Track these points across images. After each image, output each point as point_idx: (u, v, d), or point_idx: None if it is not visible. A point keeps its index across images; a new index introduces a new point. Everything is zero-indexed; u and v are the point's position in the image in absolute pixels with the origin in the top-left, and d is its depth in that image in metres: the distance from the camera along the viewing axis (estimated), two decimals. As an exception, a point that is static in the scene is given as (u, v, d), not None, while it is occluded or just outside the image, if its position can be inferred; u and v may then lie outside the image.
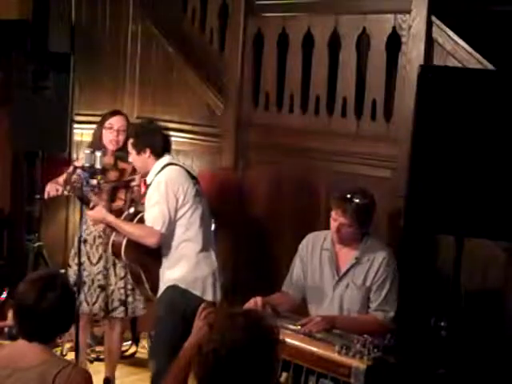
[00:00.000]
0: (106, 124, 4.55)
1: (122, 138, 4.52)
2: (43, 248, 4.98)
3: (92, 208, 4.18)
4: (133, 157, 4.23)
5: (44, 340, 2.54)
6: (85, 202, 4.22)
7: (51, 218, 5.52)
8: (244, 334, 2.08)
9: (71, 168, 4.39)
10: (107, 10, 5.68)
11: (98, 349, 5.11)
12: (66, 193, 4.27)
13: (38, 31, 5.57)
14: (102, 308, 4.52)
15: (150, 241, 4.05)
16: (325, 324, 3.42)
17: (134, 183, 4.52)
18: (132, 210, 4.29)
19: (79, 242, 4.37)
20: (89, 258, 4.56)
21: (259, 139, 4.86)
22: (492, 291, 3.79)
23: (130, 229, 4.13)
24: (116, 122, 4.55)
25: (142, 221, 4.14)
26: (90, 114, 5.30)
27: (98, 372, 4.62)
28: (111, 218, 4.17)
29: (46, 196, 4.64)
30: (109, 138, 4.53)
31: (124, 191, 4.53)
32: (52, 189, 4.59)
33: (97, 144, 4.50)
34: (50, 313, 2.51)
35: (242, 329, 2.09)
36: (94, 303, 4.52)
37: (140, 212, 4.21)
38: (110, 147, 4.53)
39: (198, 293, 4.08)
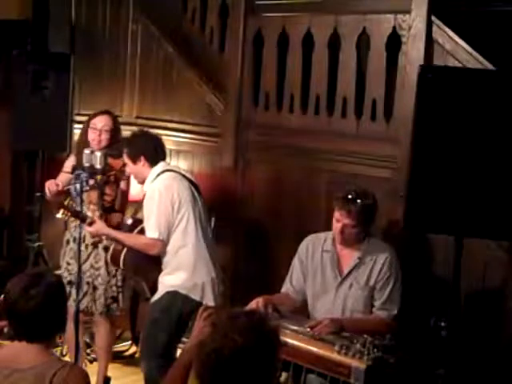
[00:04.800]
0: (91, 124, 4.55)
1: (104, 137, 4.51)
2: (43, 248, 4.98)
3: (90, 224, 4.20)
4: (129, 167, 4.24)
5: (32, 339, 2.52)
6: (81, 219, 4.24)
7: (51, 218, 5.49)
8: (246, 335, 2.08)
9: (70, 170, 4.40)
10: (107, 10, 5.68)
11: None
12: (58, 216, 4.30)
13: (38, 31, 5.57)
14: (89, 305, 4.50)
15: (152, 251, 4.08)
16: (334, 326, 3.42)
17: (125, 172, 4.45)
18: (130, 220, 4.31)
19: (78, 244, 4.36)
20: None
21: (259, 139, 4.85)
22: (492, 291, 3.79)
23: (131, 241, 4.16)
24: (99, 121, 4.54)
25: (142, 231, 4.16)
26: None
27: (97, 373, 4.62)
28: (111, 232, 4.20)
29: (48, 194, 4.61)
30: (91, 138, 4.52)
31: (112, 187, 4.51)
32: (51, 185, 4.57)
33: (82, 143, 4.51)
34: (31, 312, 2.49)
35: (245, 329, 2.09)
36: (79, 300, 4.48)
37: (141, 222, 4.21)
38: (94, 146, 4.50)
39: (196, 298, 4.09)
